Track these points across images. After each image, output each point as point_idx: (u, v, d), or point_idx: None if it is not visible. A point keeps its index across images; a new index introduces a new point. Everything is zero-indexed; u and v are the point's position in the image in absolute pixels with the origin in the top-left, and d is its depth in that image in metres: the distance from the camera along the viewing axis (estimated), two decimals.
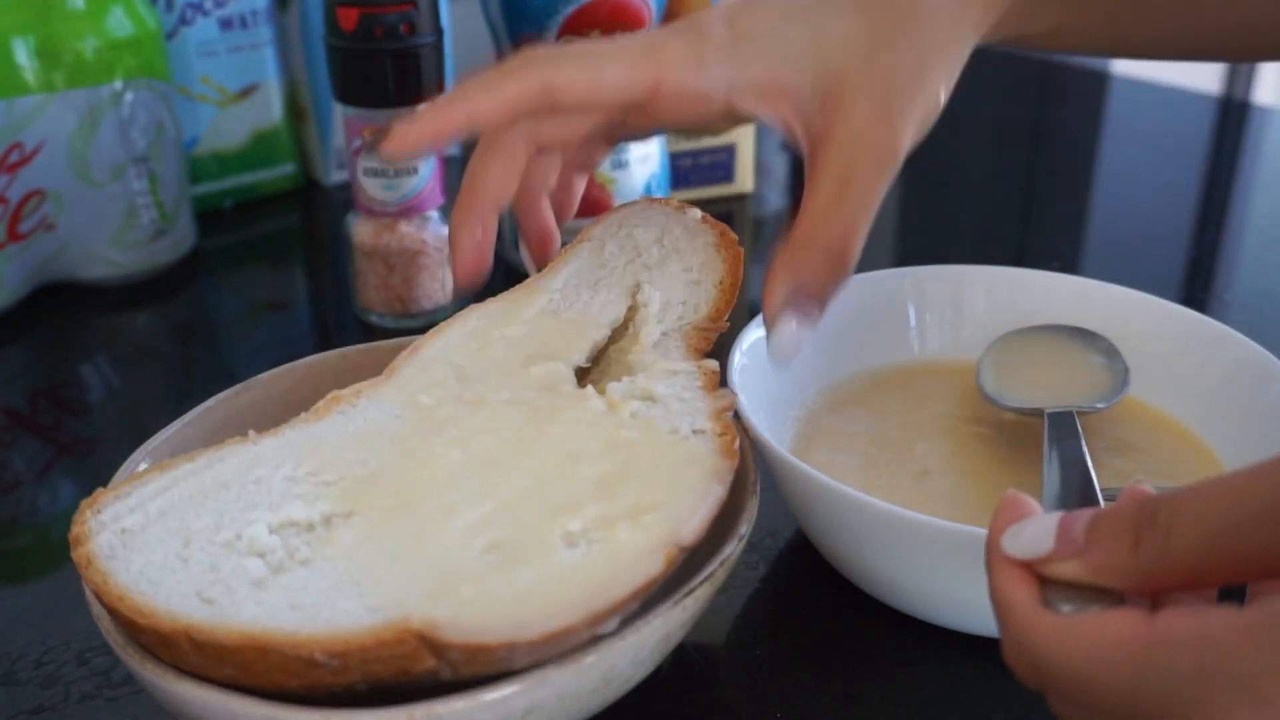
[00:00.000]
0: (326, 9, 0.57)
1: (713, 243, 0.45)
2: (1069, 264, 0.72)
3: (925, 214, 0.82)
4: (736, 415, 0.40)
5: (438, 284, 0.62)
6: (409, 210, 0.60)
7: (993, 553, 0.29)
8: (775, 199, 0.83)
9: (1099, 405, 0.45)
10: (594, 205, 0.65)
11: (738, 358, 0.45)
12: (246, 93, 0.78)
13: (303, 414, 0.38)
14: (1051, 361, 0.48)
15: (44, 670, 0.41)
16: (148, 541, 0.33)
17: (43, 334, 0.65)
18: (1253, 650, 0.24)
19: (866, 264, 0.54)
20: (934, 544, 0.37)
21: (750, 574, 0.45)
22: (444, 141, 0.43)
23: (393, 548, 0.33)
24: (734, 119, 0.44)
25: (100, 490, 0.34)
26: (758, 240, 0.76)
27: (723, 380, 0.41)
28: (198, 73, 0.75)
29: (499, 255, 0.70)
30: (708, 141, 0.77)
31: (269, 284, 0.74)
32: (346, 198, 0.79)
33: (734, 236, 0.45)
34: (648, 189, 0.67)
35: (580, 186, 0.48)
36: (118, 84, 0.65)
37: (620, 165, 0.65)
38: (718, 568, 0.34)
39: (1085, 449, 0.39)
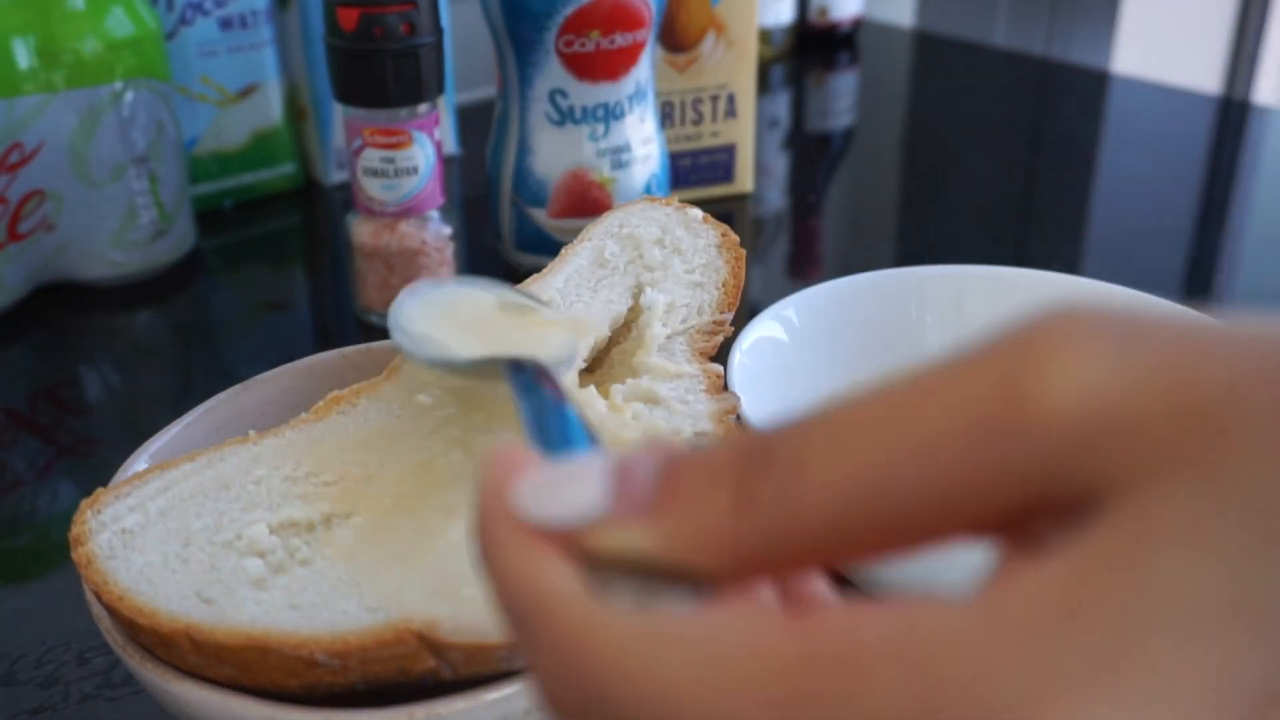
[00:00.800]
0: (326, 9, 0.57)
1: (715, 244, 0.45)
2: (1069, 264, 0.72)
3: (925, 214, 0.82)
4: (738, 419, 0.40)
5: None
6: (409, 210, 0.60)
7: (495, 525, 0.19)
8: (775, 199, 0.83)
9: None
10: (594, 205, 0.65)
11: (738, 358, 0.45)
12: (246, 93, 0.78)
13: (303, 414, 0.38)
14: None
15: (44, 670, 0.41)
16: (148, 541, 0.33)
17: (43, 334, 0.65)
18: (1015, 664, 0.15)
19: (866, 264, 0.54)
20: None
21: None
22: None
23: (393, 548, 0.33)
24: None
25: (100, 490, 0.34)
26: (758, 240, 0.76)
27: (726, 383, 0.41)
28: (198, 73, 0.75)
29: (499, 255, 0.70)
30: (708, 141, 0.77)
31: (269, 284, 0.74)
32: (346, 198, 0.79)
33: (736, 238, 0.45)
34: (647, 189, 0.67)
35: None
36: (118, 84, 0.65)
37: (620, 165, 0.65)
38: None
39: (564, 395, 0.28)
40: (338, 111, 0.79)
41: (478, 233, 0.75)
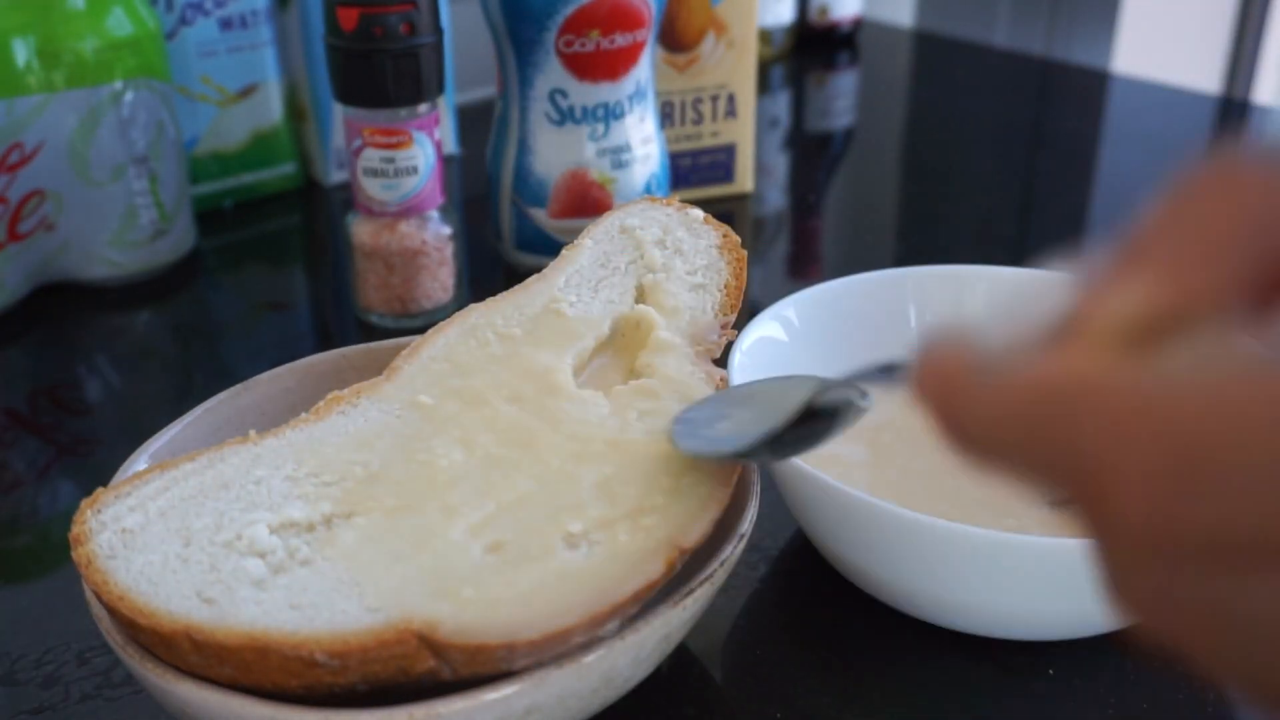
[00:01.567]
0: (326, 9, 0.57)
1: (716, 245, 0.45)
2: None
3: (925, 214, 0.82)
4: None
5: (438, 284, 0.62)
6: (409, 210, 0.60)
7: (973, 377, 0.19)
8: (775, 199, 0.83)
9: None
10: (594, 205, 0.65)
11: (738, 358, 0.45)
12: (246, 93, 0.78)
13: (303, 414, 0.38)
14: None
15: (44, 670, 0.41)
16: (148, 541, 0.33)
17: (43, 334, 0.65)
18: None
19: (867, 264, 0.54)
20: (934, 544, 0.37)
21: (750, 574, 0.45)
22: None
23: (393, 549, 0.33)
24: None
25: (101, 490, 0.34)
26: (758, 240, 0.76)
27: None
28: (198, 73, 0.75)
29: (499, 255, 0.70)
30: (708, 141, 0.77)
31: (269, 284, 0.74)
32: (346, 198, 0.79)
33: (737, 239, 0.45)
34: (647, 189, 0.67)
35: None
36: (118, 84, 0.65)
37: (620, 165, 0.65)
38: (718, 568, 0.34)
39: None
40: (338, 111, 0.79)
41: (478, 233, 0.75)
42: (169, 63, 0.69)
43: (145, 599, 0.31)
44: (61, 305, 0.67)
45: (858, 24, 1.14)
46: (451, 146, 0.87)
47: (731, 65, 0.75)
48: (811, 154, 0.94)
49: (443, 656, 0.30)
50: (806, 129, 1.00)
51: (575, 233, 0.47)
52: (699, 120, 0.76)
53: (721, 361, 0.42)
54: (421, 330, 0.43)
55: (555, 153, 0.65)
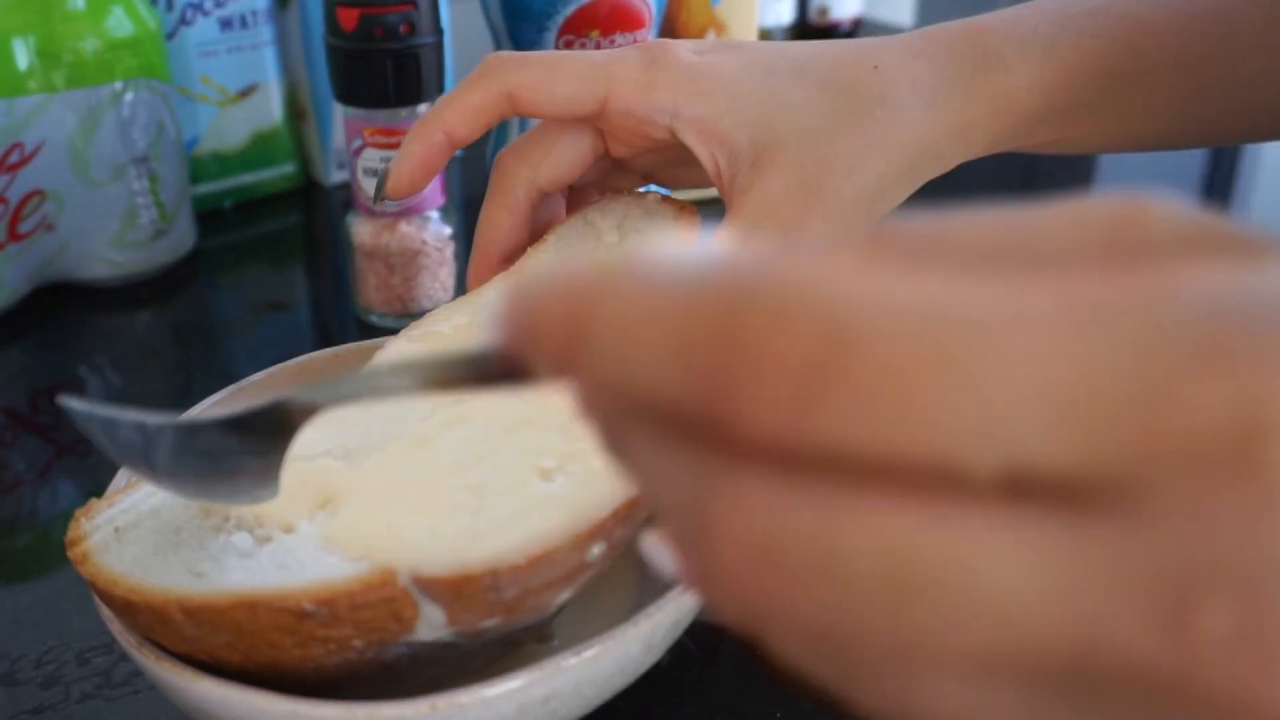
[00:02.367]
0: (326, 9, 0.57)
1: (671, 218, 0.45)
2: None
3: (924, 214, 0.82)
4: None
5: (438, 284, 0.62)
6: (409, 210, 0.60)
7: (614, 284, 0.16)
8: None
9: None
10: None
11: None
12: (246, 93, 0.78)
13: None
14: None
15: (44, 670, 0.41)
16: (140, 534, 0.34)
17: (43, 334, 0.65)
18: None
19: None
20: None
21: None
22: (436, 166, 0.44)
23: (377, 508, 0.33)
24: (688, 161, 0.44)
25: (94, 500, 0.35)
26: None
27: None
28: (198, 73, 0.75)
29: None
30: None
31: (269, 284, 0.74)
32: (346, 198, 0.79)
33: (692, 208, 0.46)
34: (647, 187, 0.67)
35: None
36: (118, 84, 0.65)
37: None
38: None
39: None
40: (338, 111, 0.79)
41: None
42: (169, 63, 0.69)
43: (137, 580, 0.32)
44: (61, 305, 0.67)
45: (858, 24, 1.14)
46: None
47: None
48: None
49: (430, 595, 0.30)
50: None
51: None
52: None
53: None
54: None
55: None
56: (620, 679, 0.34)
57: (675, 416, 0.16)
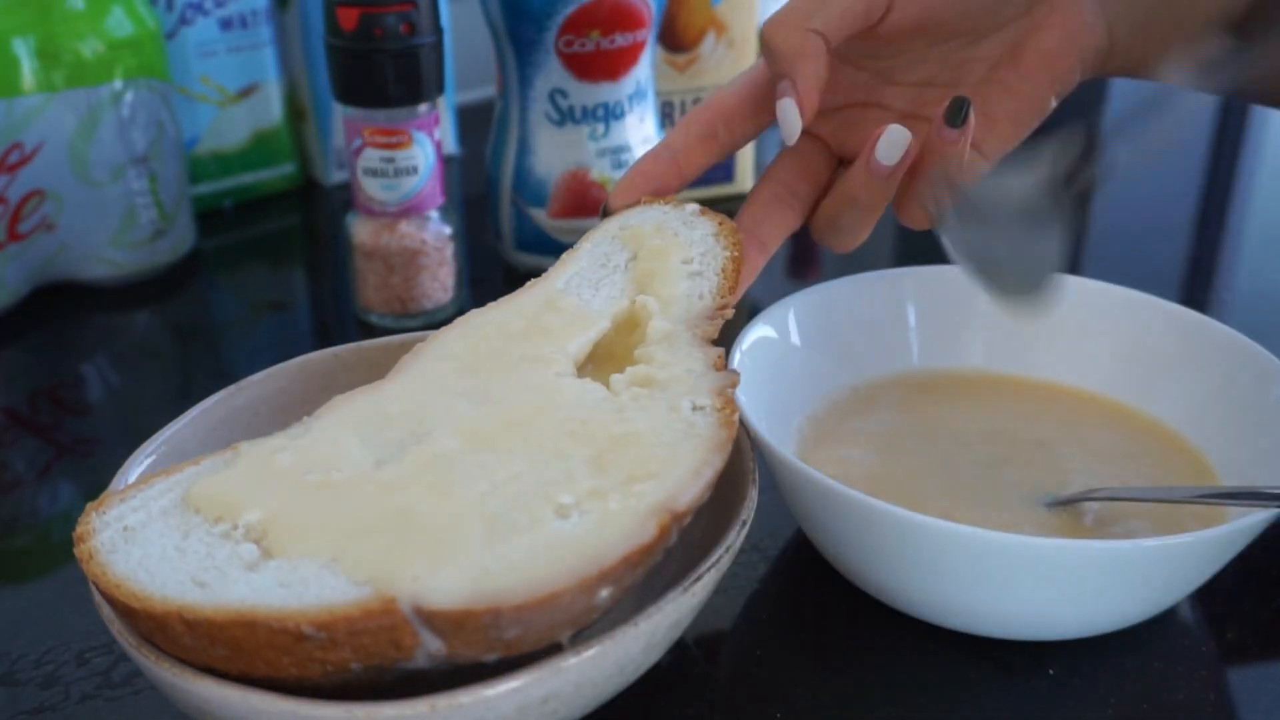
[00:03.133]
0: (326, 9, 0.57)
1: (711, 232, 0.45)
2: (1069, 264, 0.72)
3: None
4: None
5: (438, 284, 0.62)
6: (409, 210, 0.60)
7: None
8: None
9: None
10: (594, 205, 0.65)
11: (738, 358, 0.45)
12: (246, 93, 0.78)
13: (305, 418, 0.38)
14: None
15: (44, 670, 0.41)
16: (148, 537, 0.33)
17: (43, 334, 0.65)
18: None
19: (867, 264, 0.54)
20: (934, 545, 0.37)
21: (750, 574, 0.45)
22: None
23: (383, 527, 0.33)
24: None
25: (107, 493, 0.35)
26: None
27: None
28: (198, 73, 0.75)
29: (499, 255, 0.70)
30: None
31: (269, 284, 0.74)
32: (346, 198, 0.79)
33: (733, 224, 0.45)
34: None
35: None
36: (118, 84, 0.65)
37: (620, 165, 0.65)
38: (723, 554, 0.35)
39: None
40: (338, 111, 0.78)
41: (478, 233, 0.75)
42: (169, 63, 0.69)
43: (141, 585, 0.31)
44: (61, 305, 0.67)
45: None
46: (451, 146, 0.87)
47: (731, 65, 0.75)
48: None
49: (430, 626, 0.30)
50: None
51: (575, 232, 0.47)
52: None
53: (722, 342, 0.42)
54: (421, 330, 0.43)
55: (555, 153, 0.65)
56: (620, 679, 0.34)
57: None
